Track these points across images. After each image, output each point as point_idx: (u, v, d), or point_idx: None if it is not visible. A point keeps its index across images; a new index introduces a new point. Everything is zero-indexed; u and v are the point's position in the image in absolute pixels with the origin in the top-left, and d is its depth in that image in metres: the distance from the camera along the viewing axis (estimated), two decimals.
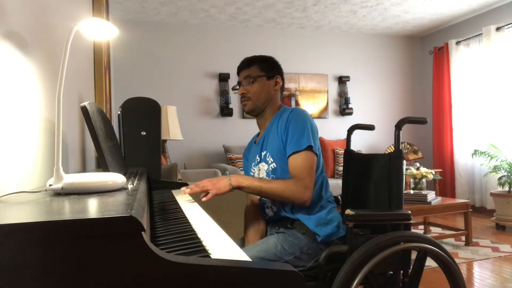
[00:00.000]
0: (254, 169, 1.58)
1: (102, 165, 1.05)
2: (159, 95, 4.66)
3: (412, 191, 3.44)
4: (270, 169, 1.49)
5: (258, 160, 1.56)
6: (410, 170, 3.66)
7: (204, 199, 1.33)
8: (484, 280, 2.54)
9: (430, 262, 1.51)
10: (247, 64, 1.58)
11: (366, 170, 1.63)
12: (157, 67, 4.94)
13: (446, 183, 5.26)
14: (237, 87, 1.61)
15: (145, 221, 0.60)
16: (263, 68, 1.56)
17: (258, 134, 1.67)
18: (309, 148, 1.40)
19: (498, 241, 3.46)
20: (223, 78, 5.09)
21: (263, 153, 1.54)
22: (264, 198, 1.57)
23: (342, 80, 5.58)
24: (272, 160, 1.49)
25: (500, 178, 4.04)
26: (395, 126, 1.48)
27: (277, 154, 1.47)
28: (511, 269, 2.72)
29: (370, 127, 1.77)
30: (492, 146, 4.30)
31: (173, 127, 4.11)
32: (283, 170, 1.45)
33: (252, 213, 1.64)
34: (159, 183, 1.83)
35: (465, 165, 5.07)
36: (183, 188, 1.40)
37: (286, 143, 1.44)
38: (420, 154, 5.17)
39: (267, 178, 1.50)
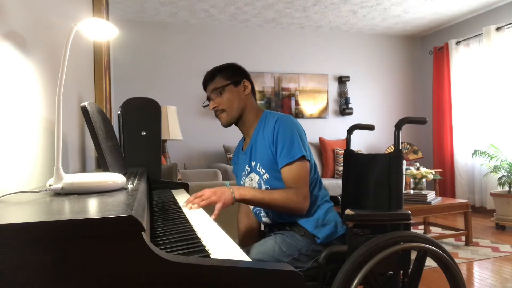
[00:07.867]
0: (245, 179, 1.55)
1: (102, 165, 1.05)
2: (159, 95, 4.66)
3: (412, 191, 3.44)
4: (264, 179, 1.47)
5: (249, 171, 1.52)
6: (410, 170, 3.66)
7: (213, 217, 1.19)
8: (484, 280, 2.54)
9: (430, 262, 1.51)
10: (210, 77, 1.53)
11: (366, 170, 1.63)
12: (157, 67, 4.93)
13: (446, 183, 5.26)
14: (207, 102, 1.54)
15: (145, 221, 0.60)
16: (227, 76, 1.51)
17: (243, 139, 1.62)
18: (302, 158, 1.38)
19: (498, 241, 3.46)
20: None
21: (253, 163, 1.50)
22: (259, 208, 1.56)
23: (342, 80, 5.57)
24: (264, 171, 1.46)
25: (500, 178, 4.04)
26: (395, 126, 1.48)
27: (269, 164, 1.44)
28: (511, 269, 2.72)
29: (370, 127, 1.77)
30: (492, 146, 4.30)
31: (173, 127, 4.11)
32: (276, 179, 1.44)
33: (245, 219, 1.64)
34: (159, 183, 1.83)
35: (465, 165, 5.07)
36: (189, 205, 1.22)
37: (277, 154, 1.41)
38: (420, 154, 5.17)
39: (265, 189, 1.46)
